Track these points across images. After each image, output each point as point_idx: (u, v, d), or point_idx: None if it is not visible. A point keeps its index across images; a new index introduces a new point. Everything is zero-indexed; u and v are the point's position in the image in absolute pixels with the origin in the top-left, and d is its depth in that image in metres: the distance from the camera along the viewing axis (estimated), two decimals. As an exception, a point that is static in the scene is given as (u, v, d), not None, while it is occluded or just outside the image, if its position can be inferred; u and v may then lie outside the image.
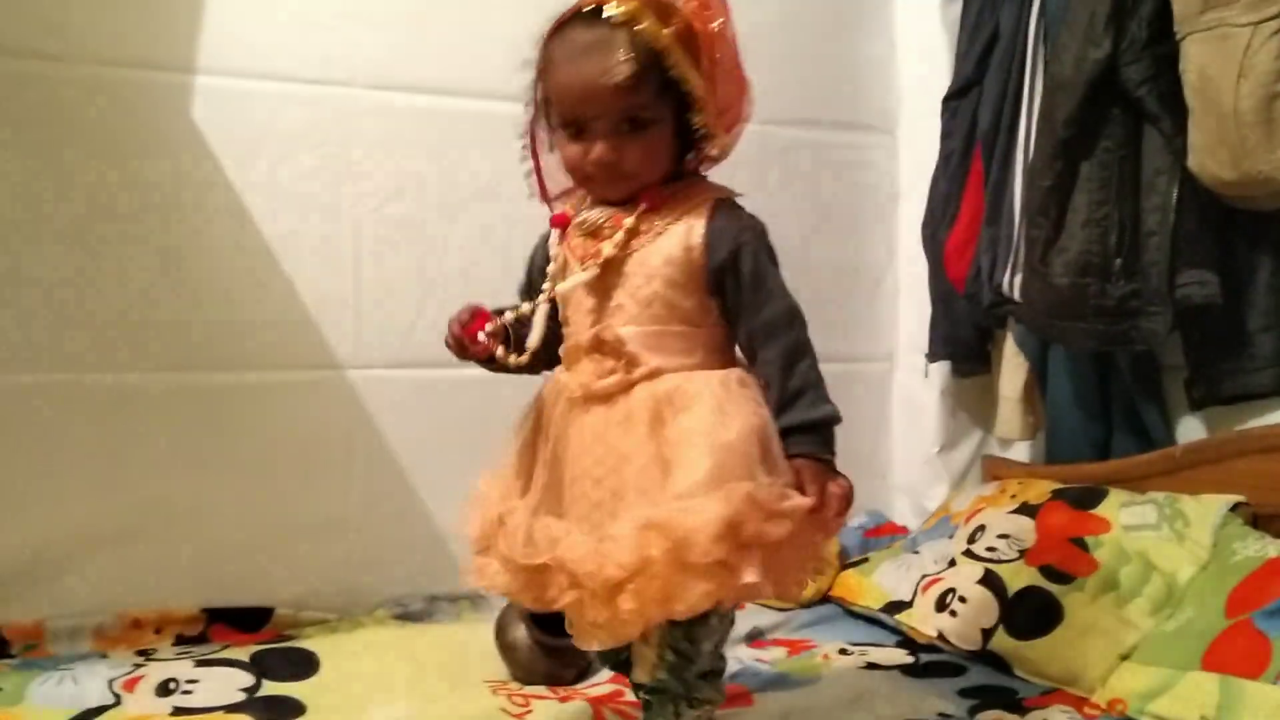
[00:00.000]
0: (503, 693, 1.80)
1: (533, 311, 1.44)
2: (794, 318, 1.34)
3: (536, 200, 1.50)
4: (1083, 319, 2.02)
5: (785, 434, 1.30)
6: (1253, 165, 1.75)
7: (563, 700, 1.79)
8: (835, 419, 1.33)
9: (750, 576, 1.21)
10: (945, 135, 2.41)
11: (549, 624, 1.89)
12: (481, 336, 1.43)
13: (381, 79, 2.16)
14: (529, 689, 1.82)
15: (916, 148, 2.57)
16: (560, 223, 1.45)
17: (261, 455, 2.11)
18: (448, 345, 1.49)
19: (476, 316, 1.44)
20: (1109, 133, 1.98)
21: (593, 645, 1.33)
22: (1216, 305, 1.90)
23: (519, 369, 1.47)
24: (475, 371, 2.23)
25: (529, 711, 1.73)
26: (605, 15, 1.29)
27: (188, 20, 2.02)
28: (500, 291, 2.23)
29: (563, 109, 1.36)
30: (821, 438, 1.31)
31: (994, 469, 2.46)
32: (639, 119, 1.31)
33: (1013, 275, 2.18)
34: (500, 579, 1.41)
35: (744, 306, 1.35)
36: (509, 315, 1.46)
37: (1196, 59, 1.81)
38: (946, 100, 2.40)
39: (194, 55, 2.03)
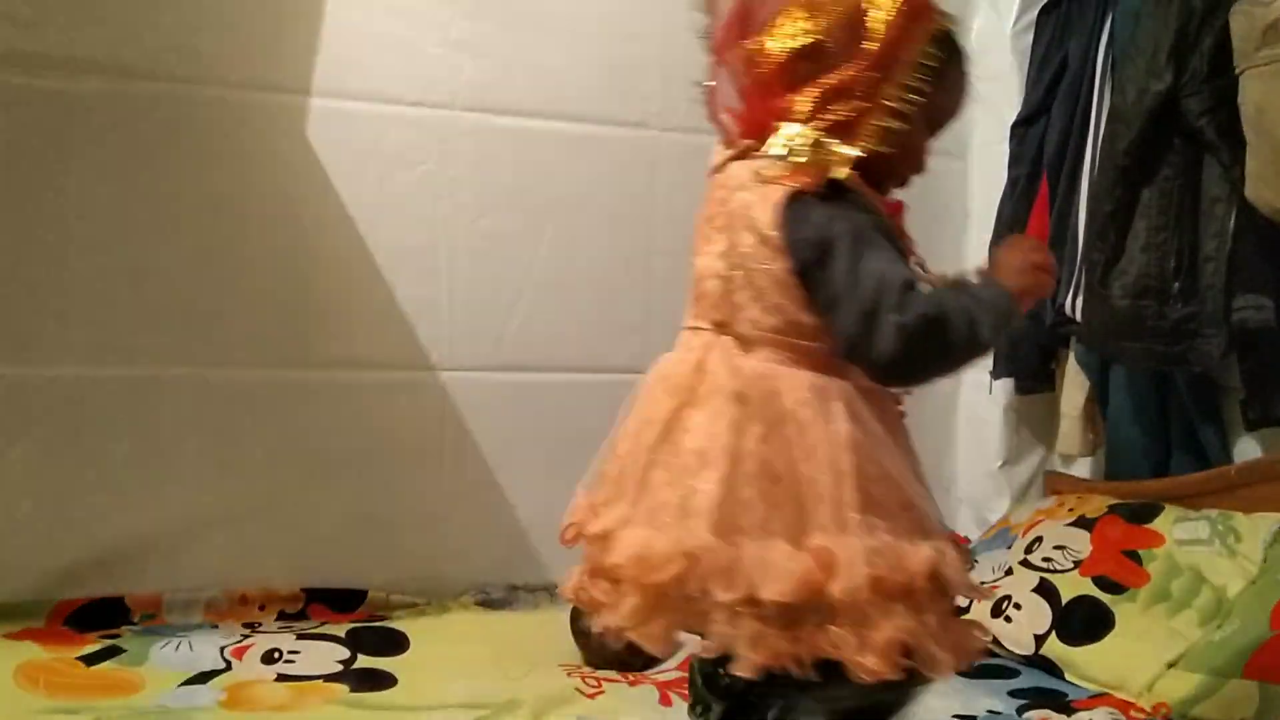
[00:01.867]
0: (576, 675, 1.93)
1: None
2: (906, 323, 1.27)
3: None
4: (1140, 340, 2.09)
5: None
6: (1306, 195, 1.82)
7: (632, 684, 1.91)
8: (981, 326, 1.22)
9: None
10: (1013, 161, 2.49)
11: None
12: None
13: (478, 102, 2.32)
14: (601, 672, 1.95)
15: (986, 172, 2.65)
16: (898, 210, 1.32)
17: (360, 449, 2.27)
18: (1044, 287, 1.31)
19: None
20: (1169, 161, 2.06)
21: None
22: (1271, 329, 1.96)
23: None
24: (559, 376, 2.41)
25: (601, 692, 1.86)
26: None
27: (305, 47, 2.19)
28: (585, 299, 2.39)
29: (953, 115, 1.34)
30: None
31: (1055, 484, 2.53)
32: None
33: (1074, 296, 2.26)
34: None
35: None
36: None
37: (1253, 93, 1.88)
38: (1015, 127, 2.48)
39: (309, 79, 2.20)
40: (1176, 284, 2.05)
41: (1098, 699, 1.86)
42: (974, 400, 2.70)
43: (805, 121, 1.19)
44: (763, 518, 1.15)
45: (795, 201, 1.19)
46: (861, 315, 1.15)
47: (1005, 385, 2.59)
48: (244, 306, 2.18)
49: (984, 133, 2.69)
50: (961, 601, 1.28)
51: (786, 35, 1.21)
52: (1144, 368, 2.20)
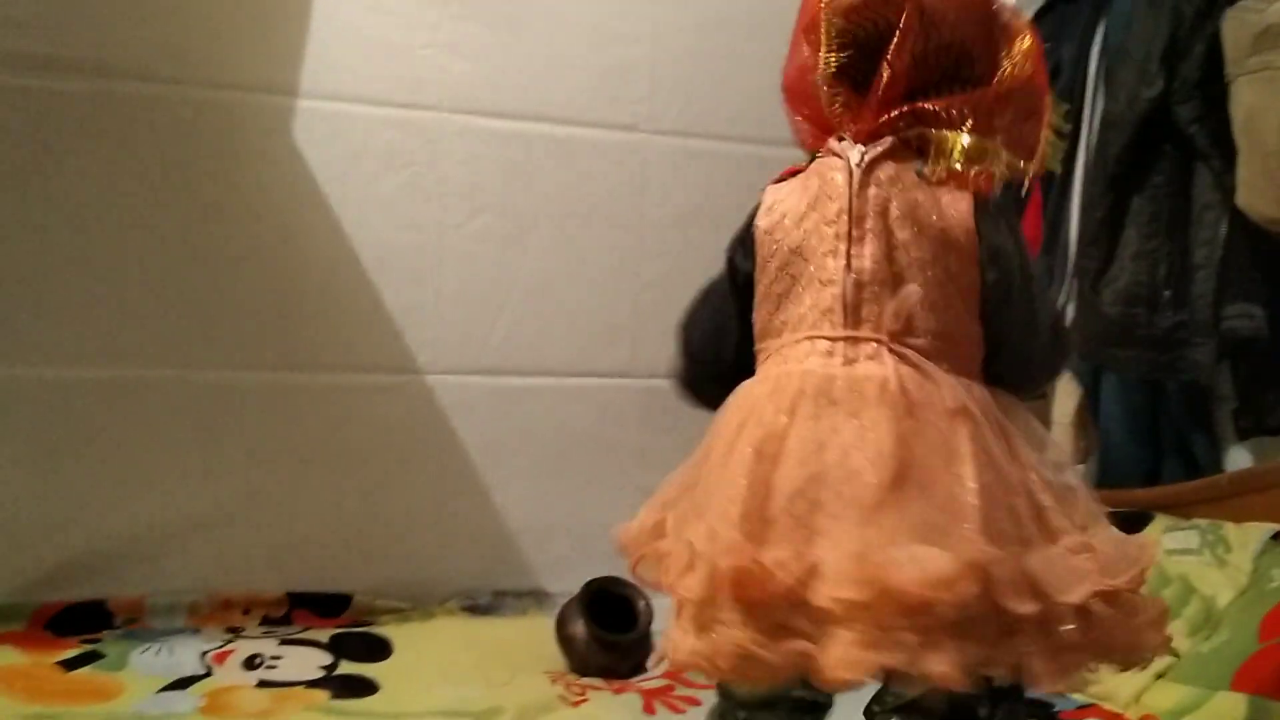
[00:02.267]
0: (561, 682, 1.92)
1: None
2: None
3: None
4: (1131, 347, 2.09)
5: None
6: (1296, 203, 1.81)
7: (616, 691, 1.90)
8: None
9: None
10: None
11: (604, 619, 2.02)
12: None
13: (466, 104, 2.32)
14: (585, 680, 1.94)
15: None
16: None
17: (345, 452, 2.26)
18: None
19: None
20: (1160, 169, 2.06)
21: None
22: (1263, 338, 1.96)
23: None
24: (546, 380, 2.40)
25: (584, 700, 1.85)
26: None
27: (292, 48, 2.19)
28: (574, 303, 2.39)
29: None
30: None
31: (1047, 492, 2.51)
32: None
33: (1066, 302, 2.25)
34: None
35: None
36: None
37: (1244, 100, 1.88)
38: (1006, 132, 2.47)
39: (297, 80, 2.20)
40: (1167, 292, 2.05)
41: (1085, 710, 1.85)
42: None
43: (971, 130, 1.16)
44: (1018, 526, 1.08)
45: (988, 207, 1.17)
46: (1052, 337, 1.25)
47: (995, 392, 2.58)
48: (229, 308, 2.18)
49: (978, 138, 2.69)
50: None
51: (918, 33, 1.17)
52: (1134, 375, 2.19)
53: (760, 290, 1.25)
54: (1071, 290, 2.23)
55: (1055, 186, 2.35)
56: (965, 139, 1.16)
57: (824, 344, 1.17)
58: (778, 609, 1.06)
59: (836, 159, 1.21)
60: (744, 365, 1.26)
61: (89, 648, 1.92)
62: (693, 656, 1.12)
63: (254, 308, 2.19)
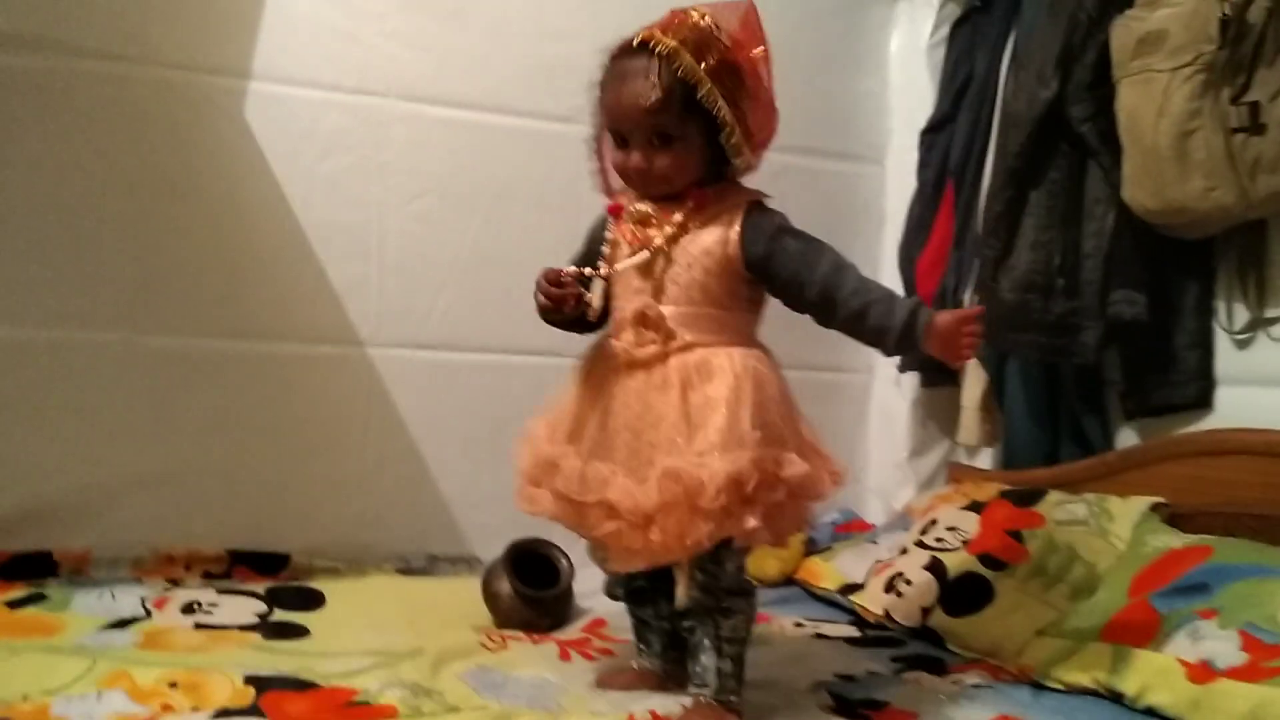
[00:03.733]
0: (483, 634, 2.02)
1: (592, 275, 1.68)
2: (840, 259, 1.60)
3: (599, 193, 1.75)
4: (1027, 331, 2.23)
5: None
6: (1170, 195, 1.96)
7: (535, 642, 2.01)
8: (915, 314, 1.54)
9: (750, 523, 1.48)
10: (921, 166, 2.63)
11: (528, 578, 2.13)
12: (565, 279, 1.65)
13: (412, 92, 2.44)
14: (507, 632, 2.05)
15: (902, 177, 2.79)
16: (615, 211, 1.70)
17: (288, 418, 2.37)
18: (541, 300, 1.68)
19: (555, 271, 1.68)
20: (1056, 165, 2.20)
21: (629, 568, 1.64)
22: (1144, 322, 2.10)
23: (580, 325, 1.72)
24: (483, 356, 2.51)
25: (504, 648, 1.96)
26: (650, 47, 1.54)
27: (246, 33, 2.30)
28: (510, 283, 2.49)
29: (609, 123, 1.63)
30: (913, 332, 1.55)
31: (956, 474, 2.66)
32: (666, 135, 1.56)
33: (972, 293, 2.40)
34: (550, 507, 1.64)
35: (801, 274, 1.58)
36: (572, 270, 1.68)
37: (1127, 100, 2.03)
38: (923, 134, 2.63)
39: (249, 63, 2.31)
40: (1060, 280, 2.19)
41: (972, 664, 1.97)
42: (884, 394, 2.83)
43: None
44: None
45: None
46: None
47: (913, 379, 2.72)
48: (179, 277, 2.27)
49: (900, 140, 2.85)
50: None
51: None
52: (1031, 359, 2.34)
53: None
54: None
55: (966, 186, 2.51)
56: None
57: None
58: None
59: None
60: None
61: (34, 590, 2.01)
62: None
63: (203, 278, 2.29)
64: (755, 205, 1.62)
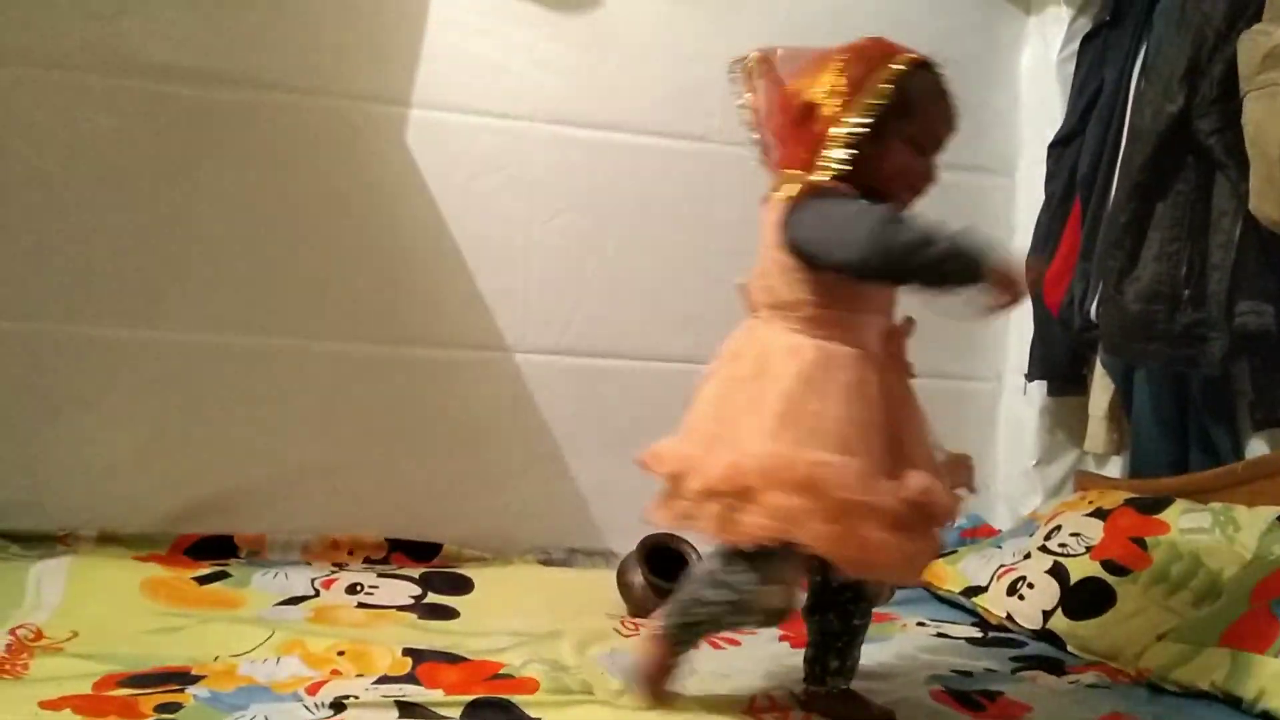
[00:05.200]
0: (618, 620, 2.16)
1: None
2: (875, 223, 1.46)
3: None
4: (1152, 341, 2.25)
5: None
6: (1295, 208, 1.97)
7: (666, 630, 2.14)
8: (954, 250, 1.43)
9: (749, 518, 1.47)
10: (1049, 178, 2.67)
11: (660, 570, 2.26)
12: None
13: (556, 115, 2.61)
14: (639, 620, 2.18)
15: (1031, 189, 2.83)
16: None
17: (441, 418, 2.56)
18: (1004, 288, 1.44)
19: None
20: (1183, 177, 2.22)
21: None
22: (1271, 333, 2.11)
23: None
24: (619, 362, 2.66)
25: (637, 634, 2.08)
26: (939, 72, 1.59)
27: (407, 65, 2.51)
28: (649, 293, 2.64)
29: (936, 134, 1.58)
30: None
31: (1083, 482, 2.68)
32: None
33: (1095, 302, 2.43)
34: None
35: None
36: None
37: (1253, 113, 2.05)
38: (1051, 147, 2.66)
39: (410, 92, 2.51)
40: (1186, 291, 2.21)
41: (1090, 666, 2.01)
42: (1013, 403, 2.87)
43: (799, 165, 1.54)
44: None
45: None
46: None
47: (1040, 388, 2.76)
48: (346, 288, 2.49)
49: (1031, 153, 2.88)
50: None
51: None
52: (1156, 367, 2.36)
53: None
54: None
55: (1094, 198, 2.54)
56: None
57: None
58: None
59: None
60: None
61: (219, 569, 2.24)
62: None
63: (366, 288, 2.50)
64: None
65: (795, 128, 1.54)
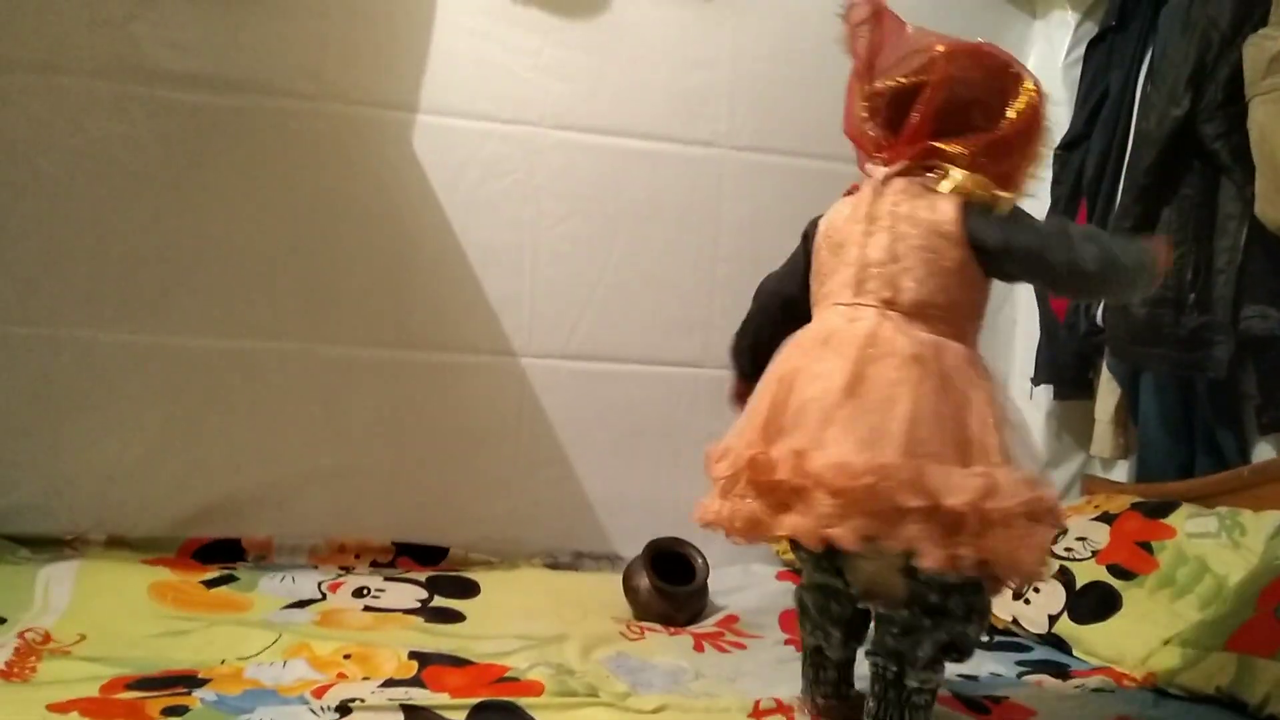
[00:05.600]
0: (624, 624, 2.17)
1: None
2: (1105, 240, 1.58)
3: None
4: (1159, 346, 2.26)
5: None
6: (1301, 212, 1.97)
7: (672, 634, 2.14)
8: (1143, 260, 1.54)
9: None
10: (1055, 182, 2.67)
11: (666, 574, 2.27)
12: None
13: (562, 120, 2.61)
14: (645, 624, 2.19)
15: (1038, 194, 2.82)
16: None
17: (447, 422, 2.56)
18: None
19: None
20: (1188, 182, 2.23)
21: None
22: (1276, 337, 2.11)
23: None
24: (625, 366, 2.67)
25: (642, 639, 2.10)
26: None
27: (414, 69, 2.51)
28: (655, 297, 2.65)
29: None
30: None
31: (1090, 486, 2.68)
32: None
33: (1101, 305, 2.43)
34: None
35: None
36: None
37: (1259, 118, 2.05)
38: (1057, 151, 2.66)
39: (417, 97, 2.52)
40: (1192, 295, 2.21)
41: (1096, 670, 2.02)
42: (1020, 406, 2.86)
43: (966, 168, 1.54)
44: (938, 449, 1.41)
45: (978, 210, 1.53)
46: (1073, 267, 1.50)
47: (1046, 392, 2.76)
48: (353, 292, 2.50)
49: (1036, 157, 2.87)
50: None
51: (943, 92, 1.54)
52: (1163, 373, 2.36)
53: (813, 270, 1.66)
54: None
55: (1100, 203, 2.54)
56: (959, 174, 1.54)
57: (840, 308, 1.57)
58: (777, 489, 1.44)
59: (868, 178, 1.61)
60: (791, 318, 1.67)
61: (226, 572, 2.25)
62: (716, 516, 1.52)
63: (373, 293, 2.51)
64: None
65: (964, 128, 1.55)
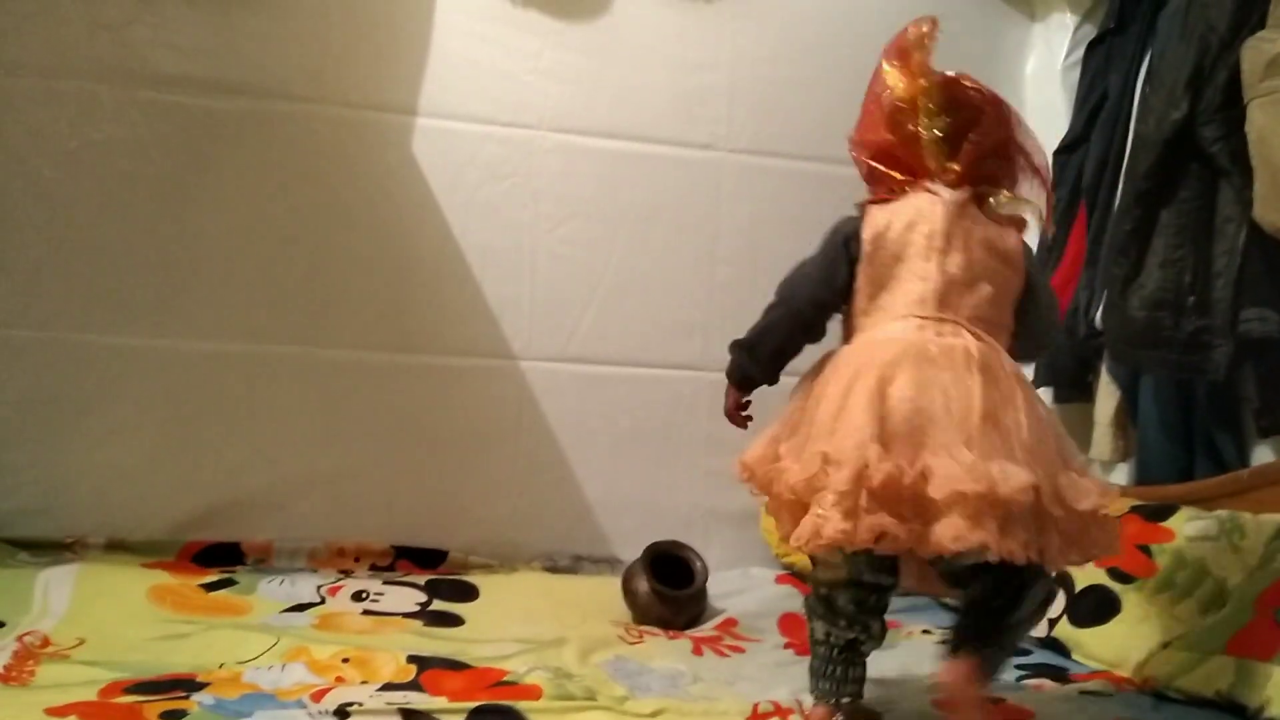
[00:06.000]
0: (623, 628, 2.17)
1: None
2: (789, 277, 1.74)
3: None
4: (1158, 349, 2.25)
5: None
6: (1300, 215, 1.97)
7: (671, 638, 2.15)
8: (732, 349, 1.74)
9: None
10: (1054, 186, 2.66)
11: (665, 578, 2.27)
12: None
13: (561, 123, 2.62)
14: (644, 627, 2.19)
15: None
16: None
17: (446, 425, 2.57)
18: None
19: None
20: (1187, 184, 2.22)
21: None
22: (1275, 340, 2.10)
23: None
24: (625, 369, 2.67)
25: (641, 642, 2.10)
26: None
27: (413, 73, 2.52)
28: (654, 300, 2.65)
29: None
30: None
31: (1090, 489, 2.67)
32: None
33: (1103, 310, 2.43)
34: None
35: None
36: None
37: (1257, 121, 2.04)
38: (1056, 154, 2.65)
39: (415, 101, 2.53)
40: (1191, 298, 2.20)
41: (1095, 674, 2.02)
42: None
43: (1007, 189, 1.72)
44: (1053, 458, 1.55)
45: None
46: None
47: (1045, 394, 2.75)
48: (351, 296, 2.51)
49: (1035, 160, 2.87)
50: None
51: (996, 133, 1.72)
52: (1162, 376, 2.35)
53: (861, 279, 1.67)
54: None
55: (1099, 206, 2.54)
56: (1006, 194, 1.71)
57: (918, 321, 1.61)
58: (902, 500, 1.47)
59: (930, 195, 1.67)
60: (820, 324, 1.73)
61: (225, 575, 2.26)
62: (845, 535, 1.47)
63: (372, 296, 2.52)
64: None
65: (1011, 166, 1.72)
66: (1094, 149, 2.57)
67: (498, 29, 2.57)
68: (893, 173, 1.71)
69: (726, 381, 1.77)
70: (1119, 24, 2.59)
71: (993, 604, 1.61)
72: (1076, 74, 2.73)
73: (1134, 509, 2.34)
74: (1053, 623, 2.17)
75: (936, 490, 1.45)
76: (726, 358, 1.78)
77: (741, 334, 1.75)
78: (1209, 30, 2.18)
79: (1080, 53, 2.74)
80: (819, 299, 1.71)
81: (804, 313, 1.72)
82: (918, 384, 1.52)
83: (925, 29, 1.72)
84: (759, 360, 1.74)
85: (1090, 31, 2.73)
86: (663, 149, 2.67)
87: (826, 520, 1.47)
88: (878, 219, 1.67)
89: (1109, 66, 2.61)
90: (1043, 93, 2.86)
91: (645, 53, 2.65)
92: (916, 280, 1.62)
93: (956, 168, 1.67)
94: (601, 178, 2.65)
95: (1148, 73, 2.46)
